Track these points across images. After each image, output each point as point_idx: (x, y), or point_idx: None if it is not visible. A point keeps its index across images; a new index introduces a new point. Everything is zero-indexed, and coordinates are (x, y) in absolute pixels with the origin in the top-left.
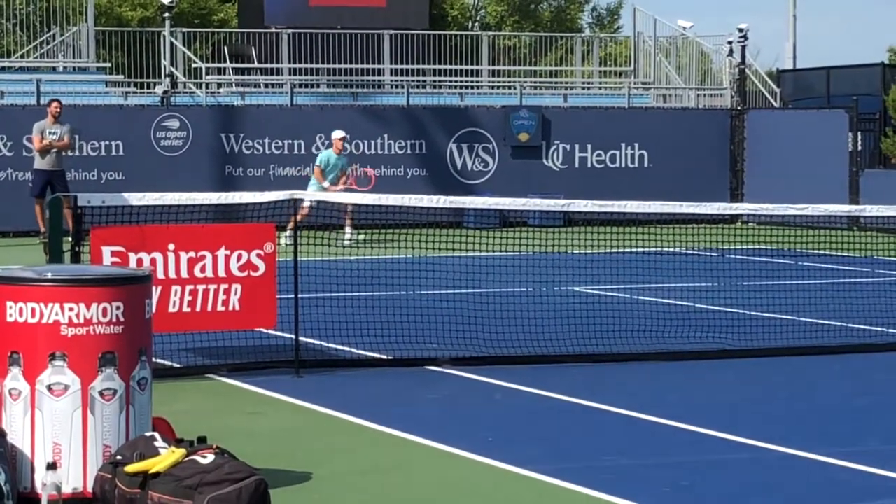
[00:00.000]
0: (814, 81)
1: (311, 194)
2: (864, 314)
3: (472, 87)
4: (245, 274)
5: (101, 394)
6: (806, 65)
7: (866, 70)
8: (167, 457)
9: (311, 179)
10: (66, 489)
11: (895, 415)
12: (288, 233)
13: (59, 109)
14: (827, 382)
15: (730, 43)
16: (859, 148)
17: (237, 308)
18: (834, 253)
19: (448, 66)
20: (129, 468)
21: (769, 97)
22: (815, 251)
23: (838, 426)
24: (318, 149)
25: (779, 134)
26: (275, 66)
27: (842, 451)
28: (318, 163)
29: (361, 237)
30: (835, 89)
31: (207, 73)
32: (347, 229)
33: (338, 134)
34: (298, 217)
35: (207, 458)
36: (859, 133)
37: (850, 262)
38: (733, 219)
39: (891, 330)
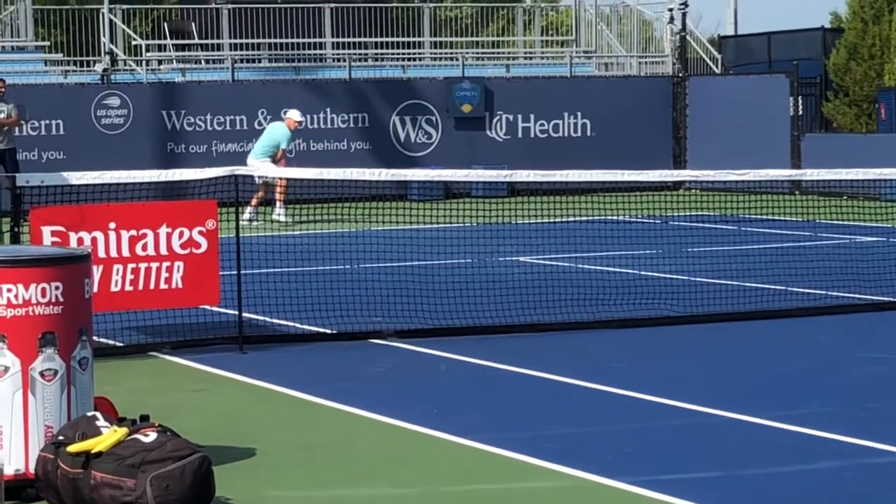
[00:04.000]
0: (755, 47)
1: (264, 169)
2: (806, 278)
3: (415, 59)
4: (187, 251)
5: (41, 374)
6: (747, 30)
7: (807, 35)
8: (109, 436)
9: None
10: (9, 471)
11: (837, 377)
12: (249, 210)
13: (3, 88)
14: (770, 346)
15: (671, 10)
16: (800, 112)
17: (180, 286)
18: (776, 217)
19: (390, 39)
20: (72, 448)
21: (711, 63)
22: (758, 216)
23: (781, 389)
24: (260, 124)
25: (721, 100)
26: (215, 41)
27: (785, 415)
28: (283, 146)
29: (289, 219)
30: (776, 54)
31: (147, 50)
32: (278, 205)
33: (296, 115)
34: (260, 195)
35: (150, 437)
36: (800, 97)
37: (792, 227)
38: (676, 186)
39: (833, 293)
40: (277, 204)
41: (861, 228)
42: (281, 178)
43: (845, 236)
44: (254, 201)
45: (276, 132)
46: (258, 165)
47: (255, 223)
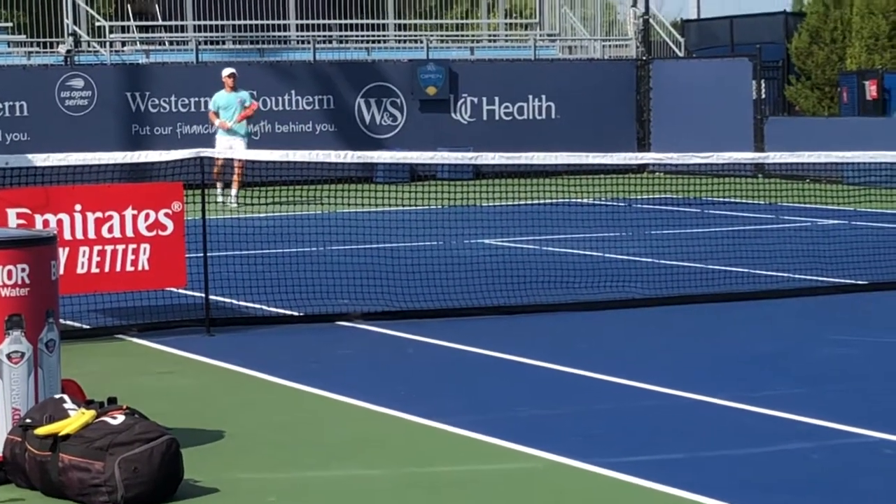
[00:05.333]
0: (718, 30)
1: (218, 151)
2: (769, 260)
3: (379, 42)
4: (153, 233)
5: (8, 357)
6: (710, 14)
7: (769, 18)
8: (77, 419)
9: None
10: None
11: (802, 359)
12: (220, 190)
13: None
14: (735, 328)
15: None
16: (763, 96)
17: (146, 268)
18: (739, 200)
19: (354, 21)
20: (39, 431)
21: (674, 47)
22: (721, 199)
23: (746, 371)
24: None
25: (684, 83)
26: (179, 23)
27: (751, 396)
28: (211, 107)
29: (235, 204)
30: (738, 38)
31: (111, 32)
32: (234, 188)
33: (225, 71)
34: (215, 173)
35: (118, 419)
36: (763, 81)
37: (756, 209)
38: (640, 169)
39: (796, 275)
40: (234, 188)
41: (823, 211)
42: (239, 162)
43: (808, 219)
44: (223, 184)
45: (237, 102)
46: (232, 144)
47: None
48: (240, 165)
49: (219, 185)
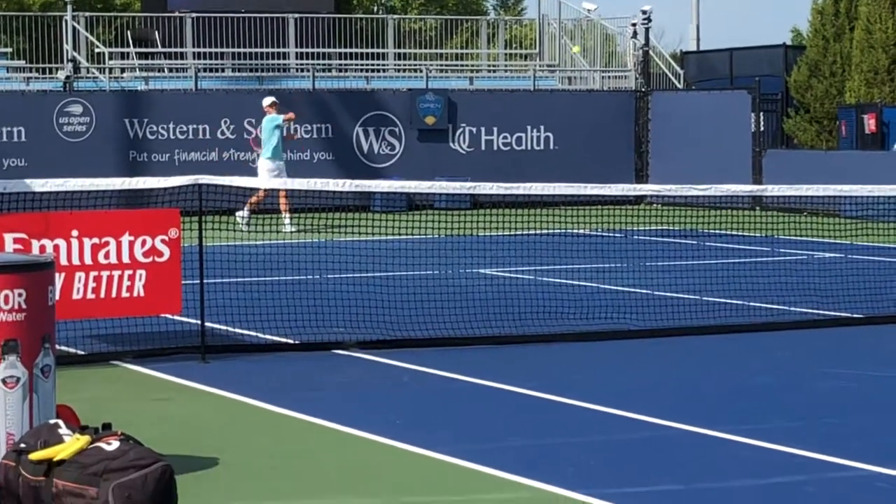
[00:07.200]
0: (717, 63)
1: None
2: (766, 293)
3: (378, 71)
4: (150, 260)
5: (3, 381)
6: (709, 46)
7: (769, 51)
8: (71, 444)
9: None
10: None
11: (797, 392)
12: (245, 212)
13: None
14: (731, 361)
15: (634, 25)
16: (762, 128)
17: (142, 294)
18: (737, 233)
19: (354, 50)
20: (33, 456)
21: (673, 79)
22: (719, 231)
23: (742, 404)
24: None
25: (683, 115)
26: (179, 50)
27: (746, 429)
28: (273, 130)
29: (294, 228)
30: (738, 70)
31: (110, 58)
32: (286, 217)
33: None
34: (255, 200)
35: (112, 445)
36: (762, 114)
37: (753, 242)
38: (638, 200)
39: (792, 308)
40: (285, 215)
41: (821, 244)
42: (281, 190)
43: (805, 252)
44: (254, 199)
45: (265, 126)
46: (260, 167)
47: (246, 226)
48: (280, 194)
49: (247, 208)
